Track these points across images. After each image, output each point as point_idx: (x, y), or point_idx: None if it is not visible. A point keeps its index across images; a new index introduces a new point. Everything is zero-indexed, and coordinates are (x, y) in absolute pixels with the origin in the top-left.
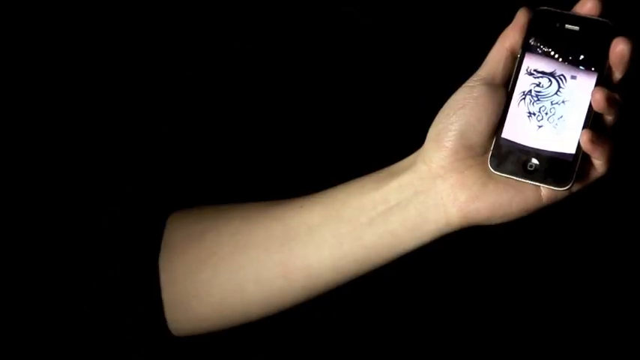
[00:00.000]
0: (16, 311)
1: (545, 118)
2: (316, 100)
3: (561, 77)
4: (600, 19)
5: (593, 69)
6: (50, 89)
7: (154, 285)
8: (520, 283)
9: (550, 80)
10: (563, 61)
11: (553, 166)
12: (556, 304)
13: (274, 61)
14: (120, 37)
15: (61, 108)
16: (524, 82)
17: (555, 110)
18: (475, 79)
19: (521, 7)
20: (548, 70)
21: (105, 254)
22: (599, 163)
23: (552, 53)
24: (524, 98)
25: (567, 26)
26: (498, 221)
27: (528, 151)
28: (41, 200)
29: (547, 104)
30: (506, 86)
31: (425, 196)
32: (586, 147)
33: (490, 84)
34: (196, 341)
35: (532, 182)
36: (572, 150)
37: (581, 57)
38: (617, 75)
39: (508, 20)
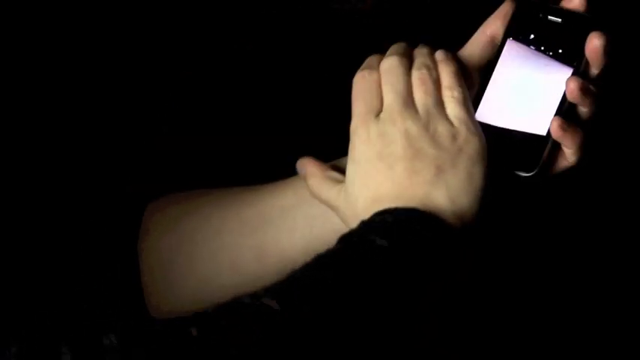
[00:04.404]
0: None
1: (520, 105)
2: (315, 99)
3: (539, 67)
4: (582, 13)
5: (571, 60)
6: (50, 89)
7: (133, 269)
8: (516, 282)
9: (528, 69)
10: (543, 51)
11: (522, 152)
12: (551, 303)
13: (274, 61)
14: (120, 37)
15: (61, 108)
16: (502, 69)
17: (530, 98)
18: None
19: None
20: (527, 58)
21: (83, 242)
22: (569, 152)
23: (533, 43)
24: (500, 84)
25: (550, 18)
26: None
27: (499, 136)
28: (22, 193)
29: (523, 92)
30: (481, 71)
31: None
32: (555, 133)
33: (464, 67)
34: None
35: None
36: (541, 137)
37: (561, 48)
38: (594, 70)
39: None
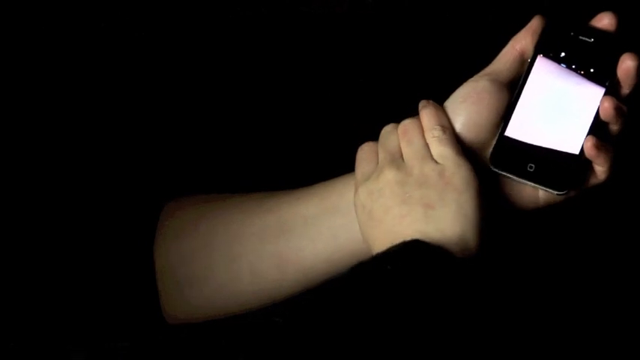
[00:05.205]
0: (15, 300)
1: (551, 122)
2: (317, 97)
3: (570, 84)
4: (613, 33)
5: (602, 79)
6: (50, 89)
7: (148, 273)
8: (517, 283)
9: (559, 86)
10: (574, 69)
11: (553, 170)
12: (554, 304)
13: (274, 60)
14: (120, 36)
15: (61, 107)
16: (532, 85)
17: (561, 116)
18: (481, 74)
19: (532, 13)
20: (557, 76)
21: (99, 242)
22: (600, 170)
23: (564, 61)
24: (531, 100)
25: (581, 37)
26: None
27: (530, 153)
28: (37, 196)
29: (554, 109)
30: (511, 86)
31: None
32: (589, 152)
33: (494, 81)
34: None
35: (530, 183)
36: (573, 155)
37: (592, 67)
38: (625, 89)
39: (515, 21)
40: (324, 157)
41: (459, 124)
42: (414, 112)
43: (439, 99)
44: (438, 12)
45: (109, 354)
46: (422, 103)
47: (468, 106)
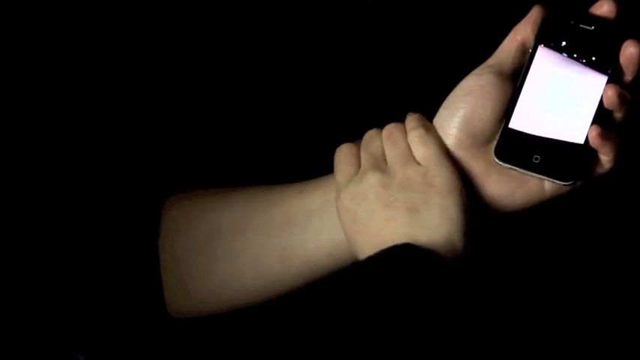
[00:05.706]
0: (15, 298)
1: (554, 112)
2: (317, 96)
3: (572, 73)
4: (614, 20)
5: (604, 68)
6: (51, 89)
7: (153, 266)
8: (517, 280)
9: (561, 76)
10: (576, 58)
11: (558, 161)
12: (553, 302)
13: (274, 60)
14: (120, 36)
15: (62, 107)
16: (534, 76)
17: (564, 106)
18: (483, 67)
19: (534, 5)
20: (559, 65)
21: (103, 236)
22: (605, 159)
23: (565, 50)
24: (534, 91)
25: (581, 25)
26: (499, 212)
27: (534, 144)
28: (40, 193)
29: (556, 99)
30: (514, 78)
31: None
32: (594, 142)
33: (497, 73)
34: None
35: (536, 175)
36: (578, 145)
37: (594, 55)
38: (628, 76)
39: (515, 21)
40: (324, 157)
41: (462, 118)
42: (413, 111)
43: (439, 99)
44: (438, 12)
45: (109, 354)
46: (409, 115)
47: (471, 100)
